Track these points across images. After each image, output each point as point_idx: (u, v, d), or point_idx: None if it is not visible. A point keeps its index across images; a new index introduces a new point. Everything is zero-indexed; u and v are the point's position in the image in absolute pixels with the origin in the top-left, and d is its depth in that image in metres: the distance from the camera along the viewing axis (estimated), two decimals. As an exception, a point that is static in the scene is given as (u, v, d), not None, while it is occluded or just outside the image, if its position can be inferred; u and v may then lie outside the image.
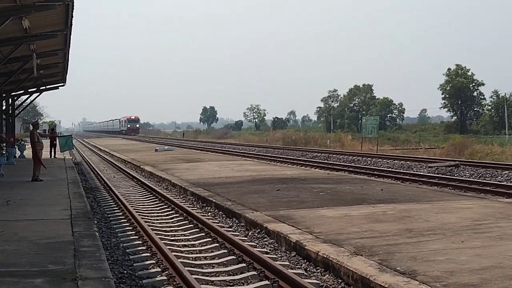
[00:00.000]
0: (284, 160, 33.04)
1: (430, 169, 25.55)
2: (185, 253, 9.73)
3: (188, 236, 11.35)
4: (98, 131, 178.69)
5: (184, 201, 16.11)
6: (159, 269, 8.61)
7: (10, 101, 34.44)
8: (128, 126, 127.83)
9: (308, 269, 8.52)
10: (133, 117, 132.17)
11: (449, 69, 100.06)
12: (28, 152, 27.80)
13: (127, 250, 10.00)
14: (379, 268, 7.50)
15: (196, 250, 10.12)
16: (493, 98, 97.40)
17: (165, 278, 8.09)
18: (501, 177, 21.96)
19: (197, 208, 14.82)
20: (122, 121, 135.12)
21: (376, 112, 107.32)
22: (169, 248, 9.54)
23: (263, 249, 9.74)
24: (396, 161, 29.85)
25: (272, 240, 10.40)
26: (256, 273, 8.24)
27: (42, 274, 6.92)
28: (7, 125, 33.49)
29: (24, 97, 39.12)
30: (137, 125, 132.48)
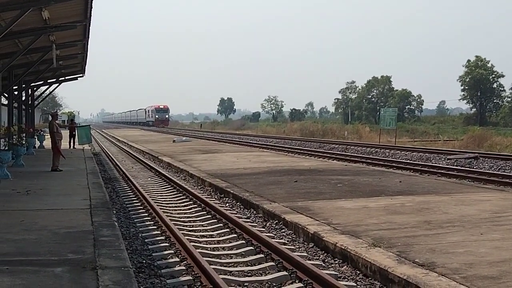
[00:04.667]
0: (302, 151, 32.97)
1: (449, 161, 25.37)
2: (203, 244, 9.77)
3: (206, 226, 11.40)
4: (119, 122, 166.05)
5: (202, 192, 16.16)
6: (177, 259, 8.66)
7: (29, 92, 34.69)
8: (156, 116, 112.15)
9: (326, 260, 8.53)
10: (162, 106, 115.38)
11: (468, 60, 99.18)
12: (47, 143, 28.05)
13: (146, 240, 10.07)
14: (397, 260, 7.48)
15: (214, 240, 10.16)
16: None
17: (183, 268, 8.13)
18: (521, 169, 21.74)
19: (215, 199, 14.86)
20: (148, 111, 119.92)
21: (394, 103, 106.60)
22: (187, 239, 9.59)
23: (281, 240, 9.75)
24: (414, 153, 29.65)
25: (290, 231, 10.41)
26: (274, 264, 8.26)
27: (62, 263, 6.99)
28: (26, 115, 33.75)
29: (43, 88, 39.43)
30: (167, 116, 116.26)
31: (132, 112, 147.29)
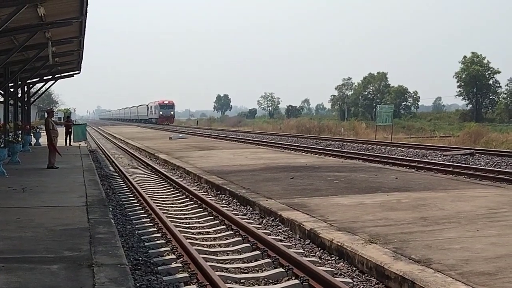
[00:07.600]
0: (298, 148, 32.98)
1: (445, 157, 25.40)
2: (200, 241, 9.77)
3: (202, 223, 11.39)
4: (118, 120, 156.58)
5: (198, 188, 16.14)
6: (174, 256, 8.66)
7: (25, 89, 34.57)
8: (161, 113, 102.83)
9: (322, 257, 8.54)
10: (166, 102, 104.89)
11: (464, 56, 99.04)
12: (43, 140, 27.98)
13: (142, 237, 10.06)
14: (393, 256, 7.49)
15: (210, 237, 10.16)
16: (509, 86, 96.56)
17: (180, 265, 8.13)
18: (517, 165, 21.77)
19: (212, 195, 14.85)
20: (151, 107, 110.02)
21: (390, 100, 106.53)
22: (183, 236, 9.58)
23: (277, 237, 9.76)
24: (410, 150, 29.69)
25: (286, 228, 10.41)
26: (270, 260, 8.26)
27: (59, 260, 6.98)
28: (22, 112, 33.65)
29: (39, 85, 39.26)
30: (172, 112, 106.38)
31: (132, 108, 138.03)
